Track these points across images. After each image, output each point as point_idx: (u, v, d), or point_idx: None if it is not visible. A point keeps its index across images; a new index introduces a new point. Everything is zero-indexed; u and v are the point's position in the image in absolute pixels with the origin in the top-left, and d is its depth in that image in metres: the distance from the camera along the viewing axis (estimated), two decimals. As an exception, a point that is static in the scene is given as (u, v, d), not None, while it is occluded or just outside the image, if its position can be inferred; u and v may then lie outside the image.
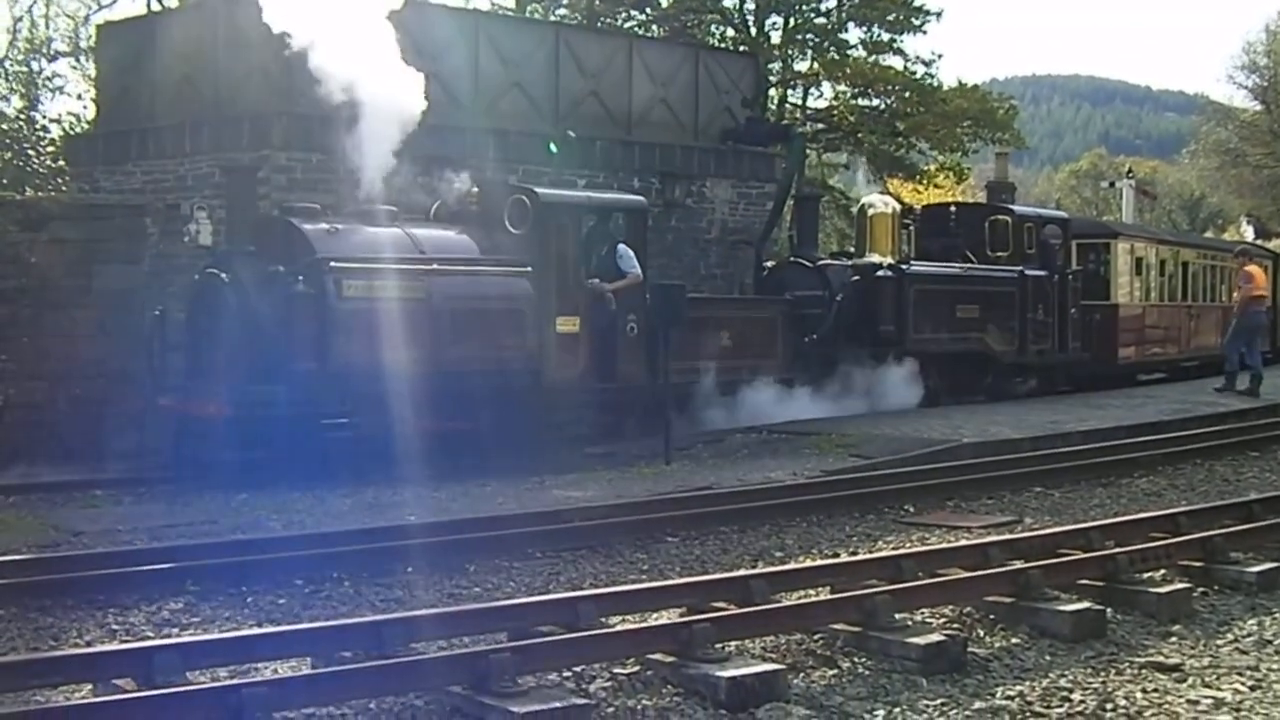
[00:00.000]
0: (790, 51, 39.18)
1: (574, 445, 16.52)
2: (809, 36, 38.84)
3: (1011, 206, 25.99)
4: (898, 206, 23.68)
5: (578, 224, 17.09)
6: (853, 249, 24.04)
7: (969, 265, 23.83)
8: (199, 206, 15.65)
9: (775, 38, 38.93)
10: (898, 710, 6.79)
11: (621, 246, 17.22)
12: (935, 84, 38.58)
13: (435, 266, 15.44)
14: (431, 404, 14.74)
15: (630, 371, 17.20)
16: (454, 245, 16.04)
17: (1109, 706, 6.83)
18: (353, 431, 14.45)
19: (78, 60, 34.64)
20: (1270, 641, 8.15)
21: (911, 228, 24.40)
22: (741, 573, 9.08)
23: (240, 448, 14.24)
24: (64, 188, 25.96)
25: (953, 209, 26.66)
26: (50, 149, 30.58)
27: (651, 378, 17.03)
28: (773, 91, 38.77)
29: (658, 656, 7.14)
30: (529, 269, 16.21)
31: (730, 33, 38.91)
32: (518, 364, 16.04)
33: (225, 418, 14.18)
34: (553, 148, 21.16)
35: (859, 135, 38.42)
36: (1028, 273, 24.02)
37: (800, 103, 40.81)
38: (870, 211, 22.80)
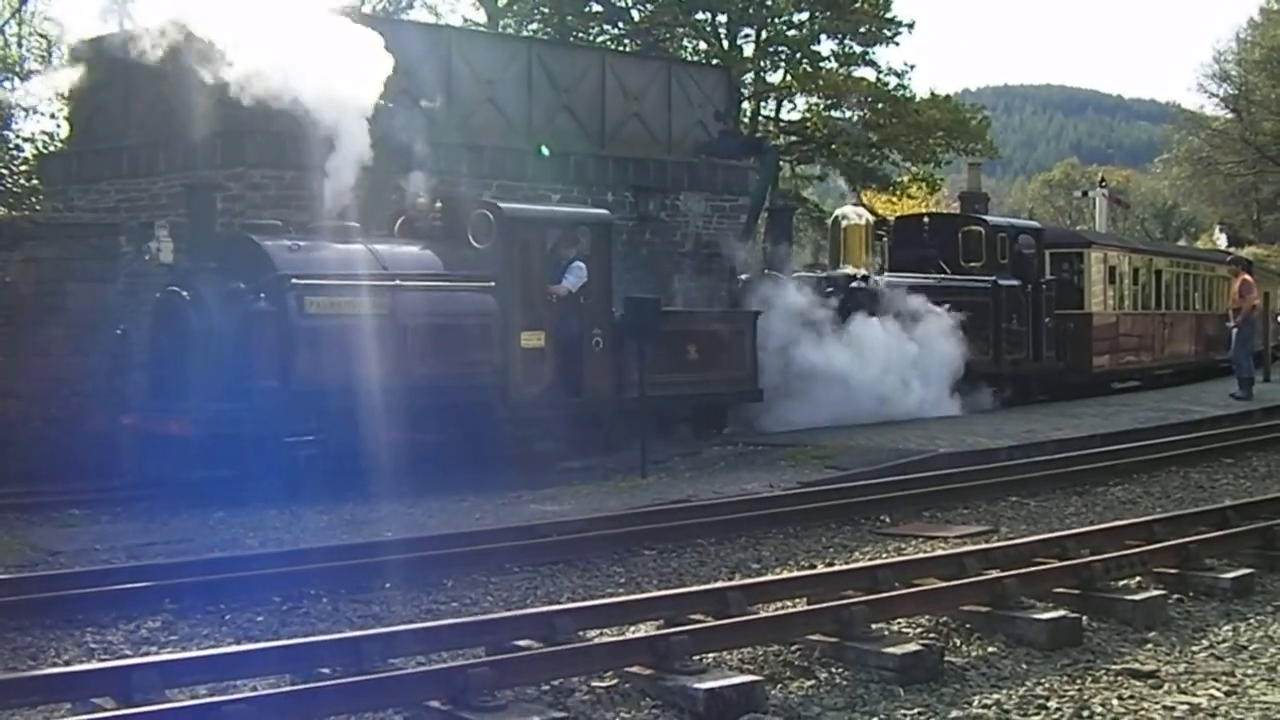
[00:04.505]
0: (762, 64, 39.34)
1: (550, 460, 16.49)
2: (781, 49, 39.02)
3: (985, 217, 26.15)
4: (871, 218, 23.77)
5: (542, 238, 17.01)
6: (827, 261, 24.10)
7: (943, 276, 23.93)
8: (160, 224, 15.61)
9: (747, 50, 39.08)
10: (875, 720, 6.83)
11: (578, 263, 17.11)
12: (908, 95, 38.76)
13: (399, 282, 15.34)
14: (396, 420, 14.64)
15: (597, 386, 17.16)
16: (418, 261, 15.96)
17: (1085, 714, 6.86)
18: (318, 448, 14.38)
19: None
20: (1245, 647, 8.20)
21: (885, 239, 24.49)
22: (718, 585, 9.10)
23: (205, 466, 14.18)
24: (38, 206, 25.84)
25: (926, 220, 26.81)
26: (24, 168, 30.44)
27: (618, 392, 17.00)
28: (746, 104, 38.93)
29: (635, 669, 7.16)
30: (493, 284, 16.14)
31: (703, 46, 39.07)
32: (483, 379, 15.95)
33: (189, 436, 14.11)
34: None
35: (832, 147, 38.56)
36: (1001, 282, 24.14)
37: (773, 115, 40.97)
38: (844, 223, 22.89)
